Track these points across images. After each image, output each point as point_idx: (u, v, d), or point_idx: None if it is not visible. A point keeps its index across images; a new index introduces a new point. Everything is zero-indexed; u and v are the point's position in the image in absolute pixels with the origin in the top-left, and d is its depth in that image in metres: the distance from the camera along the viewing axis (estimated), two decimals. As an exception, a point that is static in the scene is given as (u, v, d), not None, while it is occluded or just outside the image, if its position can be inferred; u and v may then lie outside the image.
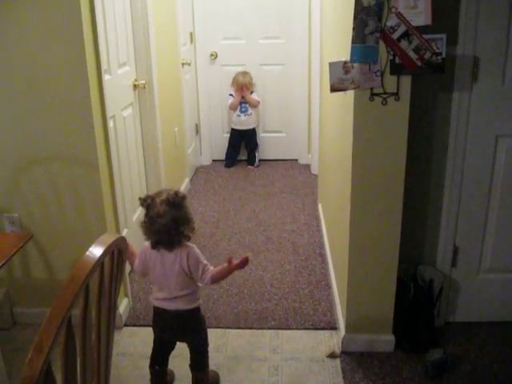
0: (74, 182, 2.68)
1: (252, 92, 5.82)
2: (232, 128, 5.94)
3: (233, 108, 5.85)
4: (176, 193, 2.13)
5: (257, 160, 5.92)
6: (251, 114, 5.86)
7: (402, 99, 2.26)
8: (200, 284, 2.27)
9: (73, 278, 1.13)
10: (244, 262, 2.25)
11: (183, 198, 2.15)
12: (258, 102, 5.87)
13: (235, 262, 2.23)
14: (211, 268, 2.23)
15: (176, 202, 2.11)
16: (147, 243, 2.20)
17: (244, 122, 5.86)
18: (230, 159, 5.98)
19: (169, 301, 2.21)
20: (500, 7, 2.35)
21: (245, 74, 5.74)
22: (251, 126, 5.90)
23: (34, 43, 2.45)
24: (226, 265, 2.23)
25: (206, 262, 2.22)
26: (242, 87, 5.72)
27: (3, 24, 2.43)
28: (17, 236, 2.42)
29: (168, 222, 2.08)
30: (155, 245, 2.16)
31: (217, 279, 2.25)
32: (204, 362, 2.41)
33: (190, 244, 2.21)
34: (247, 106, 5.82)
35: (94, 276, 1.23)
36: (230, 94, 5.82)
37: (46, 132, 2.60)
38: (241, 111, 5.84)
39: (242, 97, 5.77)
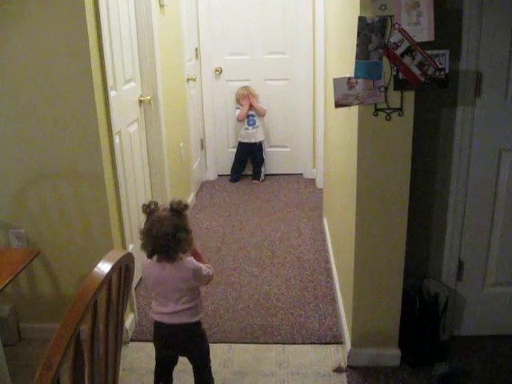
0: (80, 198, 2.70)
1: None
2: (240, 142, 5.93)
3: (241, 119, 5.82)
4: (180, 201, 2.13)
5: (262, 175, 5.92)
6: (258, 126, 5.85)
7: (406, 114, 2.28)
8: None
9: (81, 295, 1.14)
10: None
11: (186, 206, 2.14)
12: (265, 110, 5.86)
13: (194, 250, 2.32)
14: (208, 269, 2.27)
15: (178, 209, 2.10)
16: (145, 258, 2.18)
17: (252, 135, 5.84)
18: (236, 174, 5.98)
19: (172, 315, 2.21)
20: (503, 23, 2.37)
21: (245, 86, 5.79)
22: (259, 139, 5.88)
23: (41, 60, 2.48)
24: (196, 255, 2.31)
25: (203, 268, 2.23)
26: (248, 95, 5.75)
27: (11, 40, 2.46)
28: (23, 252, 2.43)
29: (168, 226, 2.07)
30: (151, 253, 2.13)
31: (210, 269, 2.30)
32: (208, 377, 2.40)
33: (188, 258, 2.19)
34: (255, 118, 5.82)
35: (101, 292, 1.24)
36: (237, 108, 5.82)
37: (53, 148, 2.62)
38: (248, 124, 5.82)
39: (250, 106, 5.77)
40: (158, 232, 2.08)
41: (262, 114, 5.87)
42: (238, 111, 5.82)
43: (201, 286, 2.30)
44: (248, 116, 5.81)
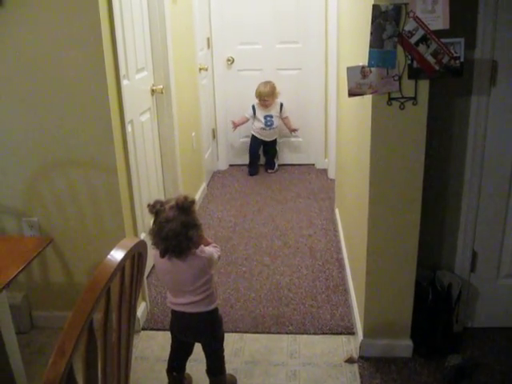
0: (93, 187, 2.70)
1: (282, 106, 5.72)
2: (253, 135, 5.81)
3: (233, 126, 5.81)
4: (185, 198, 2.08)
5: (276, 165, 5.87)
6: (276, 127, 5.75)
7: (420, 104, 2.26)
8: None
9: (94, 282, 1.14)
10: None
11: (192, 202, 2.09)
12: (295, 128, 5.82)
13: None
14: (215, 252, 2.27)
15: (185, 207, 2.06)
16: (156, 252, 2.14)
17: (268, 135, 5.76)
18: (254, 168, 5.84)
19: (189, 305, 2.21)
20: (519, 11, 2.34)
21: (266, 84, 5.62)
22: (274, 137, 5.82)
23: (54, 49, 2.48)
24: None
25: (213, 252, 2.24)
26: (265, 100, 5.61)
27: (23, 30, 2.45)
28: (36, 240, 2.43)
29: (177, 226, 2.03)
30: (164, 253, 2.09)
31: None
32: (220, 366, 2.41)
33: (201, 250, 2.18)
34: (273, 119, 5.69)
35: (114, 280, 1.24)
36: (252, 106, 5.74)
37: (65, 137, 2.62)
38: (266, 125, 5.70)
39: (266, 105, 5.64)
40: (168, 233, 2.04)
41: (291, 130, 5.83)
42: (248, 112, 5.77)
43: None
44: (265, 117, 5.69)
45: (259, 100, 5.63)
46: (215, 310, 2.30)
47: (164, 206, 2.08)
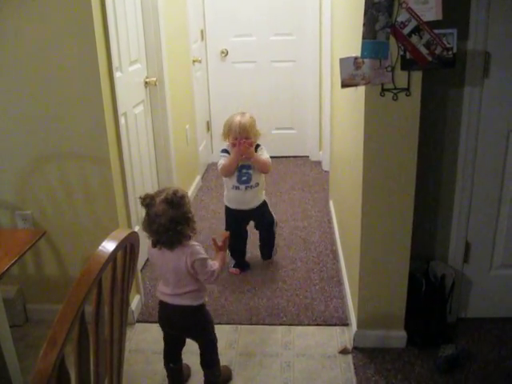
0: (86, 179, 2.70)
1: (258, 146, 3.34)
2: (226, 206, 3.55)
3: (228, 171, 3.33)
4: (175, 192, 2.10)
5: (274, 250, 3.66)
6: (257, 184, 3.39)
7: (413, 95, 2.25)
8: (206, 283, 2.29)
9: (86, 272, 1.14)
10: (225, 241, 2.41)
11: (182, 197, 2.11)
12: (269, 164, 3.36)
13: (220, 244, 2.39)
14: (215, 265, 2.26)
15: (175, 202, 2.08)
16: (149, 246, 2.22)
17: (246, 200, 3.43)
18: (239, 258, 3.60)
19: (172, 296, 2.24)
20: (511, 2, 2.34)
21: (243, 114, 3.31)
22: (258, 203, 3.48)
23: (46, 41, 2.46)
24: (217, 254, 2.36)
25: (208, 260, 2.23)
26: (239, 139, 3.21)
27: (16, 23, 2.44)
28: (29, 232, 2.43)
29: (166, 221, 2.07)
30: (155, 244, 2.16)
31: (221, 270, 2.30)
32: (213, 359, 2.42)
33: (191, 243, 2.19)
34: (251, 172, 3.34)
35: (106, 271, 1.24)
36: (224, 150, 3.37)
37: (58, 129, 2.61)
38: (240, 181, 3.36)
39: (242, 151, 3.23)
40: (158, 228, 2.09)
41: (263, 171, 3.38)
42: (223, 158, 3.34)
43: (204, 281, 2.27)
44: (239, 168, 3.35)
45: (233, 140, 3.26)
46: (199, 308, 2.29)
47: (155, 199, 2.10)
